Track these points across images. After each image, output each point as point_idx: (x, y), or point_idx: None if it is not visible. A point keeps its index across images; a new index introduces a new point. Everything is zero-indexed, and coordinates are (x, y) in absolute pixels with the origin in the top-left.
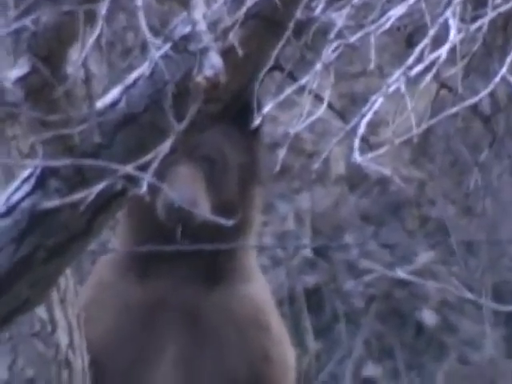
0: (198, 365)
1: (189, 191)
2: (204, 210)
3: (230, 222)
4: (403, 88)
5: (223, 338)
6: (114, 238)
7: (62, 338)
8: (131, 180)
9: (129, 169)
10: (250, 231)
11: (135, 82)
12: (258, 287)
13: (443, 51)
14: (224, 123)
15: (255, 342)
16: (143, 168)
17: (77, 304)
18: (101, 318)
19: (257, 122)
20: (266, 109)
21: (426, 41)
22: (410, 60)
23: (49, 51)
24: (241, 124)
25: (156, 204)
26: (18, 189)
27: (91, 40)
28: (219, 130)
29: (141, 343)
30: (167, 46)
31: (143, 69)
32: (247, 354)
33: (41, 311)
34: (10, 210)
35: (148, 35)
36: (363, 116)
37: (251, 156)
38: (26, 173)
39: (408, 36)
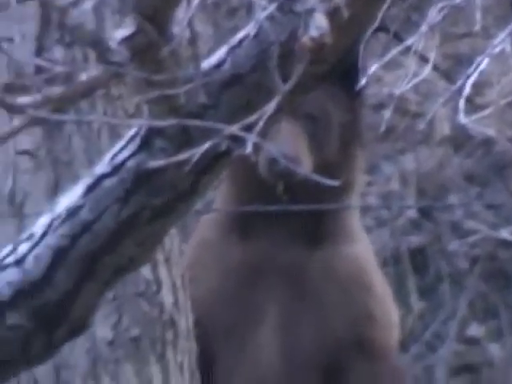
0: (300, 324)
1: (291, 147)
2: (306, 167)
3: (332, 182)
4: (508, 49)
5: (326, 297)
6: (217, 198)
7: (167, 297)
8: (236, 140)
9: (234, 129)
10: (352, 192)
11: (240, 42)
12: (361, 247)
13: None
14: (328, 83)
15: (358, 302)
16: (248, 128)
17: (181, 264)
18: (203, 278)
19: (362, 82)
20: (372, 69)
21: None
22: None
23: (155, 11)
24: (345, 84)
25: (258, 160)
26: (123, 148)
27: (197, 0)
28: (323, 89)
29: (243, 303)
30: (273, 7)
31: (249, 29)
32: (350, 313)
33: (146, 271)
34: (115, 170)
35: None
36: (468, 77)
37: (354, 116)
38: (131, 132)
39: None
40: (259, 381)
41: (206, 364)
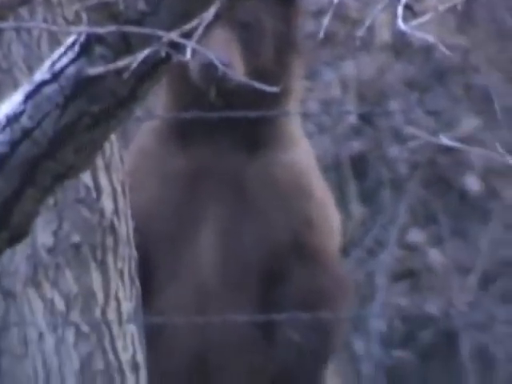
0: (240, 231)
1: (223, 53)
2: (239, 72)
3: (267, 88)
4: None
5: (265, 203)
6: (158, 105)
7: (107, 203)
8: (175, 47)
9: (173, 36)
10: (290, 98)
11: None
12: (301, 153)
13: None
14: None
15: (298, 207)
16: (187, 35)
17: (121, 170)
18: (143, 185)
19: None
20: None
21: None
22: None
23: None
24: None
25: (190, 66)
26: (62, 55)
27: None
28: None
29: (183, 211)
30: None
31: None
32: (290, 218)
33: (86, 177)
34: (54, 76)
35: None
36: None
37: (288, 24)
38: (70, 39)
39: None
40: (199, 286)
41: (146, 271)
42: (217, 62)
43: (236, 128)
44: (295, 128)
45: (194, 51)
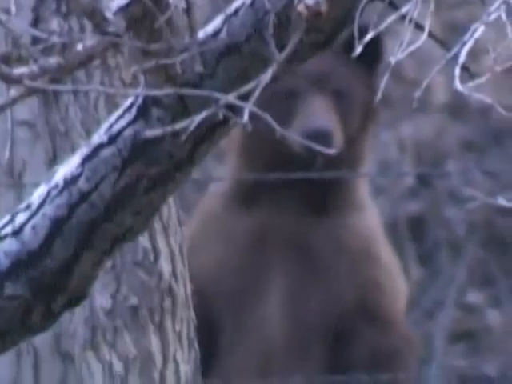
0: (306, 294)
1: (327, 121)
2: (339, 141)
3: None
4: (504, 16)
5: (332, 267)
6: (227, 169)
7: (165, 266)
8: (233, 109)
9: (230, 98)
10: (364, 163)
11: (236, 11)
12: (369, 217)
13: None
14: (349, 60)
15: (365, 271)
16: (245, 97)
17: (179, 232)
18: (208, 248)
19: (358, 50)
20: (367, 38)
21: None
22: None
23: None
24: (364, 61)
25: (287, 135)
26: (120, 118)
27: None
28: (346, 66)
29: (248, 273)
30: None
31: None
32: (357, 281)
33: (144, 240)
34: (112, 139)
35: None
36: (464, 44)
37: (371, 91)
38: (128, 102)
39: None
40: (265, 351)
41: (209, 335)
42: (321, 131)
43: (303, 190)
44: (363, 191)
45: (253, 113)
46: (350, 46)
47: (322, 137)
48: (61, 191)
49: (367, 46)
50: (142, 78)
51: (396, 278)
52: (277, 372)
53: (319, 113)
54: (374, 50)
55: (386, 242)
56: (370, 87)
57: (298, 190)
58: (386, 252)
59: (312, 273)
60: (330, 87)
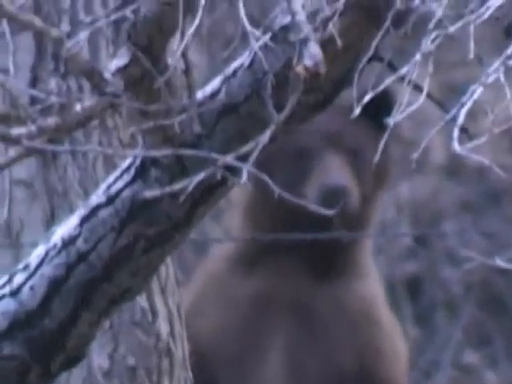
0: (306, 358)
1: (343, 179)
2: (355, 199)
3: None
4: (502, 78)
5: (333, 332)
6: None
7: (163, 326)
8: (231, 170)
9: (229, 159)
10: (370, 226)
11: (235, 72)
12: (371, 283)
13: None
14: (361, 118)
15: (366, 336)
16: (243, 158)
17: (178, 293)
18: (210, 310)
19: (357, 112)
20: (366, 99)
21: None
22: (509, 50)
23: (149, 41)
24: (376, 120)
25: (303, 192)
26: (118, 178)
27: (191, 30)
28: (360, 125)
29: (249, 337)
30: (267, 37)
31: (243, 59)
32: (358, 347)
33: (141, 300)
34: (110, 200)
35: (248, 26)
36: (462, 105)
37: (385, 153)
38: (126, 162)
39: (507, 26)
40: None
41: None
42: (338, 189)
43: (306, 254)
44: (366, 256)
45: (252, 174)
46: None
47: (340, 194)
48: (59, 252)
49: (378, 105)
50: (140, 139)
51: (397, 342)
52: None
53: (335, 170)
54: (385, 108)
55: (387, 307)
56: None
57: (302, 252)
58: (386, 317)
59: (313, 337)
60: (344, 145)
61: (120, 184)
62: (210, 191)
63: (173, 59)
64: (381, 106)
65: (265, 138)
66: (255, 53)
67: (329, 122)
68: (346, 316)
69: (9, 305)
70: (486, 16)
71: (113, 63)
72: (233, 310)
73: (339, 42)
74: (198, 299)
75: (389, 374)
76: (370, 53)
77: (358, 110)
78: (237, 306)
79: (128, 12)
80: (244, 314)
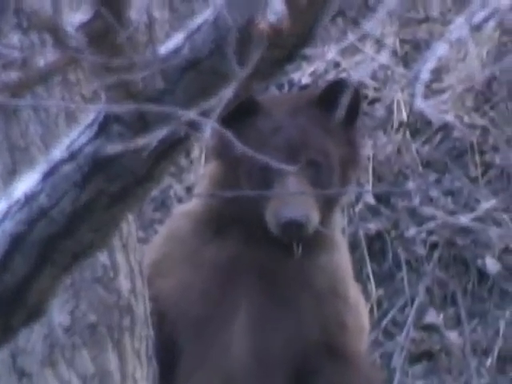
0: (272, 326)
1: (301, 209)
2: (314, 223)
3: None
4: (466, 34)
5: (300, 303)
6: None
7: (124, 283)
8: (194, 126)
9: (192, 114)
10: (342, 205)
11: (199, 27)
12: (339, 257)
13: None
14: (327, 120)
15: (332, 310)
16: (206, 114)
17: (139, 250)
18: (174, 271)
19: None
20: (330, 55)
21: None
22: (473, 7)
23: None
24: (344, 117)
25: (265, 218)
26: (80, 134)
27: None
28: (321, 127)
29: (215, 300)
30: None
31: (206, 14)
32: (323, 320)
33: (103, 257)
34: (72, 155)
35: None
36: (426, 62)
37: (352, 146)
38: (88, 118)
39: None
40: (226, 377)
41: (171, 357)
42: (296, 218)
43: None
44: (336, 231)
45: (214, 129)
46: (326, 102)
47: (297, 227)
48: (21, 207)
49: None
50: (102, 94)
51: (361, 318)
52: None
53: (293, 199)
54: (353, 105)
55: (353, 281)
56: (350, 143)
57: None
58: (353, 290)
59: (278, 307)
60: (304, 159)
61: (82, 139)
62: (173, 146)
63: (135, 14)
64: (348, 103)
65: (228, 93)
66: (219, 8)
67: (289, 134)
68: (312, 288)
69: None
70: None
71: (75, 18)
72: (197, 271)
73: None
74: (160, 258)
75: (351, 348)
76: (334, 9)
77: (322, 67)
78: (201, 268)
79: None
80: (208, 276)
